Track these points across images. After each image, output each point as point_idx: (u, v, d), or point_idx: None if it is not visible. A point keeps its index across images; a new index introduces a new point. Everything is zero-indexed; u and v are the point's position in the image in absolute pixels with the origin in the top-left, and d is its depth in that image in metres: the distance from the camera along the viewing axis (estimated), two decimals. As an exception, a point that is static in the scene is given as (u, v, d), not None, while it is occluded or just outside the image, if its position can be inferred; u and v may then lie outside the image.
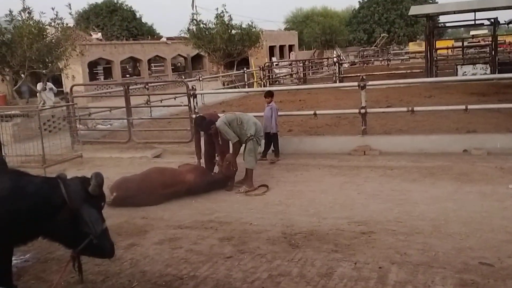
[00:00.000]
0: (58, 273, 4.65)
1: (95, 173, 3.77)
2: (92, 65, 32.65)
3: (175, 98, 14.75)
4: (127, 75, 35.32)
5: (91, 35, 35.88)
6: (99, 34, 37.73)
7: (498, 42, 26.71)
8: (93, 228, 3.65)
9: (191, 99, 10.94)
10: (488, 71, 21.28)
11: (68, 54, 16.54)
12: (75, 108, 12.04)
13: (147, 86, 17.40)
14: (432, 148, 9.02)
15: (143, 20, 51.72)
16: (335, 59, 28.00)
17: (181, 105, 11.88)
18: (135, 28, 48.55)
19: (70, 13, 18.59)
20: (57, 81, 25.58)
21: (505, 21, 24.30)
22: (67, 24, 17.55)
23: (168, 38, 41.13)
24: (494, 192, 6.63)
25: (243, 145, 7.85)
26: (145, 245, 5.50)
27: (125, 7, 49.14)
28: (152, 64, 38.88)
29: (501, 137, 8.93)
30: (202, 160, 8.29)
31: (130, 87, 12.99)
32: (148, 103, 15.21)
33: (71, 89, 12.26)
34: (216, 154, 8.19)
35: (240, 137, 7.76)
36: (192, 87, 11.24)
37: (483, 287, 4.08)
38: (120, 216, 6.51)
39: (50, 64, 16.15)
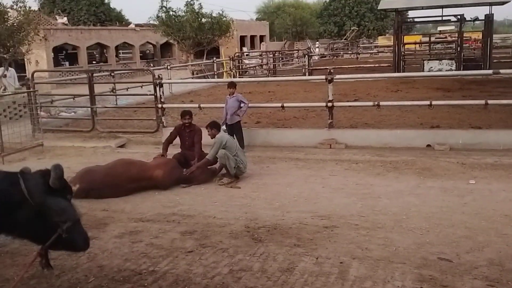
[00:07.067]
0: (16, 267, 4.51)
1: (54, 165, 3.62)
2: (58, 51, 31.77)
3: (141, 87, 14.47)
4: (94, 62, 34.54)
5: (56, 19, 34.80)
6: (65, 18, 36.62)
7: (464, 38, 27.26)
8: (63, 219, 3.51)
9: (158, 88, 10.73)
10: (454, 67, 21.73)
11: (30, 39, 16.02)
12: (37, 95, 11.64)
13: (112, 74, 17.01)
14: (396, 142, 9.13)
15: (112, 6, 50.65)
16: (305, 51, 28.00)
17: (147, 94, 11.62)
18: (103, 14, 47.37)
19: None
20: (21, 67, 24.83)
21: (471, 18, 24.80)
22: (30, 7, 16.99)
23: (136, 25, 40.34)
24: (455, 188, 6.74)
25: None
26: (104, 238, 5.35)
27: (93, -8, 47.84)
28: (120, 51, 38.10)
29: (463, 133, 9.12)
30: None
31: (95, 75, 12.66)
32: (114, 91, 14.86)
33: (32, 74, 11.87)
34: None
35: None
36: (159, 76, 11.01)
37: (441, 282, 4.13)
38: (80, 208, 6.29)
39: (11, 49, 15.61)
